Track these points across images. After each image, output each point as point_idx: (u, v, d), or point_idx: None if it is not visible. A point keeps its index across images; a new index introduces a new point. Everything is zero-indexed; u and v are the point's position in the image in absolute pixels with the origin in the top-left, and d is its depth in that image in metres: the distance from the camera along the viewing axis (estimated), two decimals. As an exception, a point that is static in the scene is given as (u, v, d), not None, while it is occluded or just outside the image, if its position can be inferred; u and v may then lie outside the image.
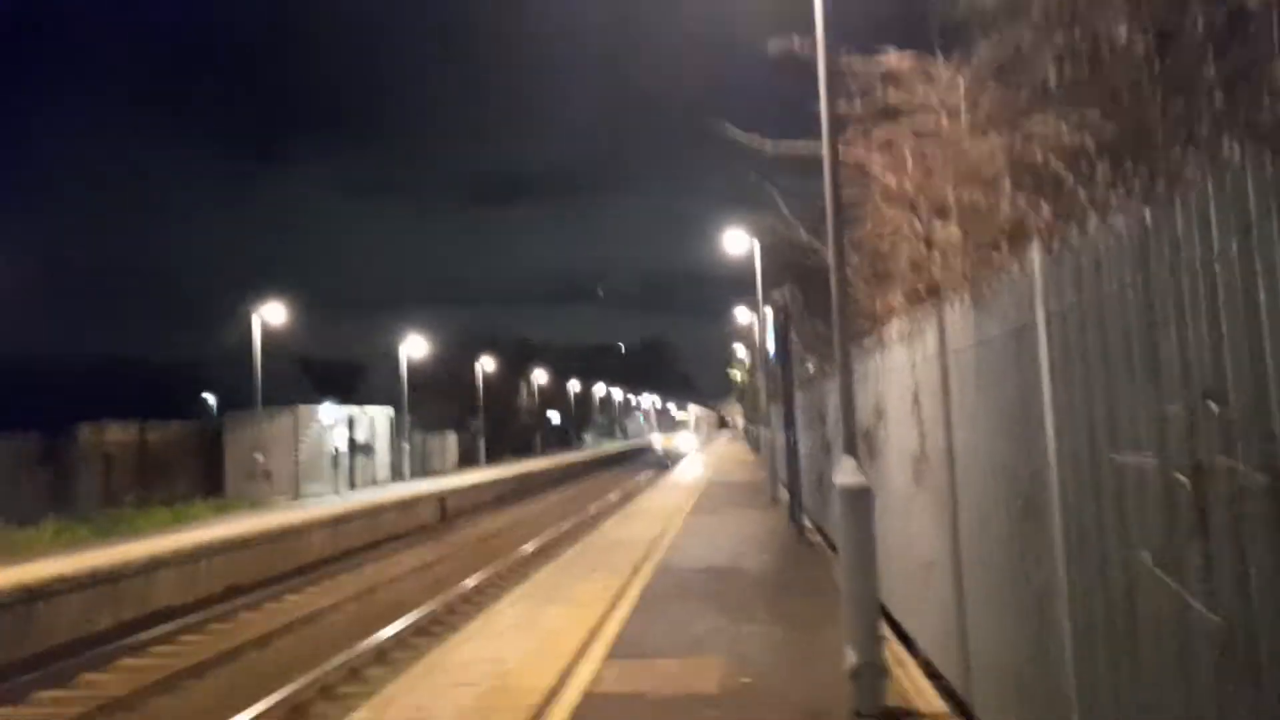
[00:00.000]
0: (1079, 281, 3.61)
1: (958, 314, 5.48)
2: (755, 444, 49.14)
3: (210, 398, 60.89)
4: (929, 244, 5.47)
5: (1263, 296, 2.47)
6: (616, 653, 8.62)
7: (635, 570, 13.28)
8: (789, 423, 17.60)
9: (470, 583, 17.77)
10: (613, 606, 10.76)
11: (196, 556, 18.49)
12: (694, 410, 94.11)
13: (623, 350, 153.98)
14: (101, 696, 11.49)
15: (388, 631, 13.60)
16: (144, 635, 14.55)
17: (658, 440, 67.10)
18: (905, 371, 6.99)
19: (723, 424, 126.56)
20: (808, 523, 16.55)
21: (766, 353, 23.89)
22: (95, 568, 15.87)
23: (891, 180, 5.60)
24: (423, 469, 45.36)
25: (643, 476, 50.15)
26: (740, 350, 53.35)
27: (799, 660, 8.12)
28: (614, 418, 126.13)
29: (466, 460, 53.68)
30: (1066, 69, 3.46)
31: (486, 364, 59.21)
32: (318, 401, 36.19)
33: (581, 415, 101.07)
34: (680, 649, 8.64)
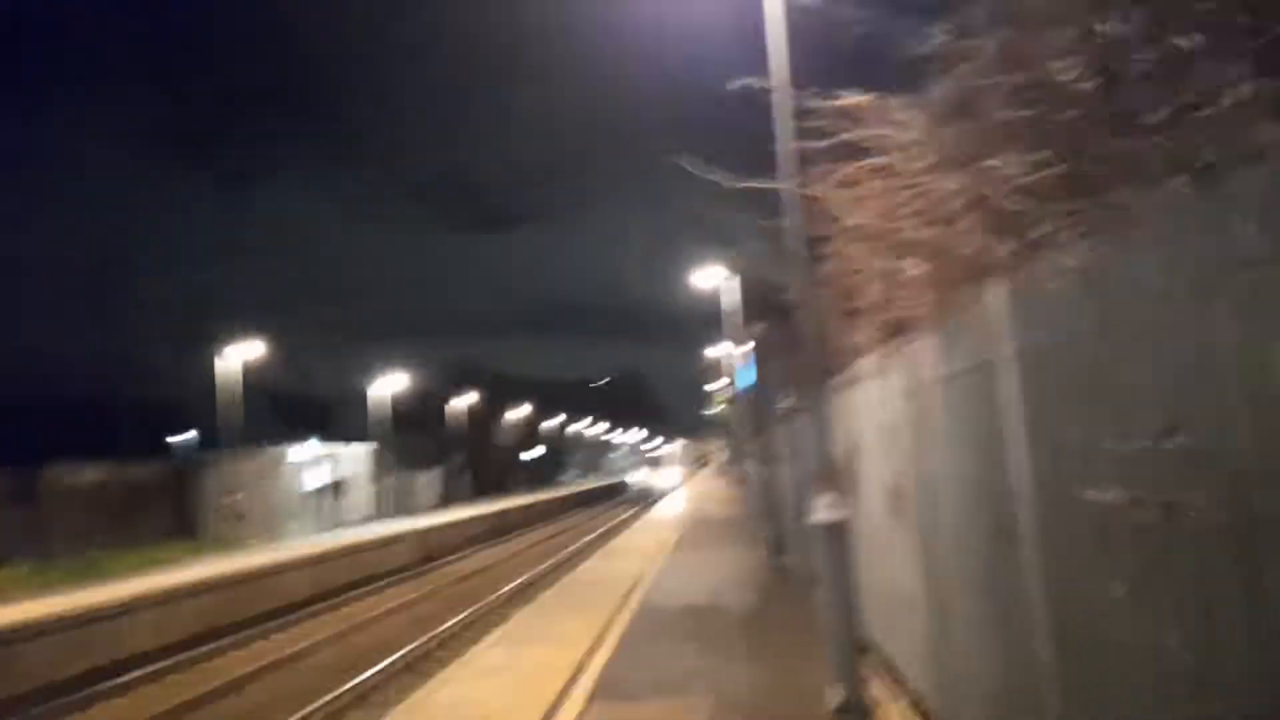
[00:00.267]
0: (1040, 317, 3.68)
1: (925, 349, 5.54)
2: (736, 479, 49.09)
3: (186, 437, 60.24)
4: (896, 281, 5.56)
5: (1216, 333, 2.52)
6: (600, 694, 8.55)
7: (617, 610, 13.21)
8: (767, 458, 17.63)
9: (450, 623, 17.58)
10: (595, 646, 10.69)
11: (169, 599, 18.21)
12: (673, 445, 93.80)
13: (601, 384, 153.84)
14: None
15: (368, 673, 13.42)
16: (116, 681, 14.27)
17: (638, 477, 66.82)
18: (877, 406, 7.05)
19: (703, 460, 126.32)
20: (789, 559, 16.52)
21: (743, 390, 23.96)
22: (63, 613, 15.59)
23: (855, 218, 5.71)
24: (401, 507, 44.97)
25: (623, 514, 49.91)
26: (718, 384, 53.46)
27: (783, 699, 8.09)
28: (592, 454, 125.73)
29: (444, 498, 53.26)
30: (1018, 109, 3.57)
31: (464, 400, 58.97)
32: (293, 437, 35.90)
33: (559, 452, 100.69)
34: (664, 690, 8.58)
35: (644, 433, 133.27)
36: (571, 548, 31.85)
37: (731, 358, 28.25)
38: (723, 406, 58.27)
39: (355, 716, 11.77)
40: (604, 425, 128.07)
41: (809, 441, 10.32)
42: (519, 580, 23.62)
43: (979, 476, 4.75)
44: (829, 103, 5.41)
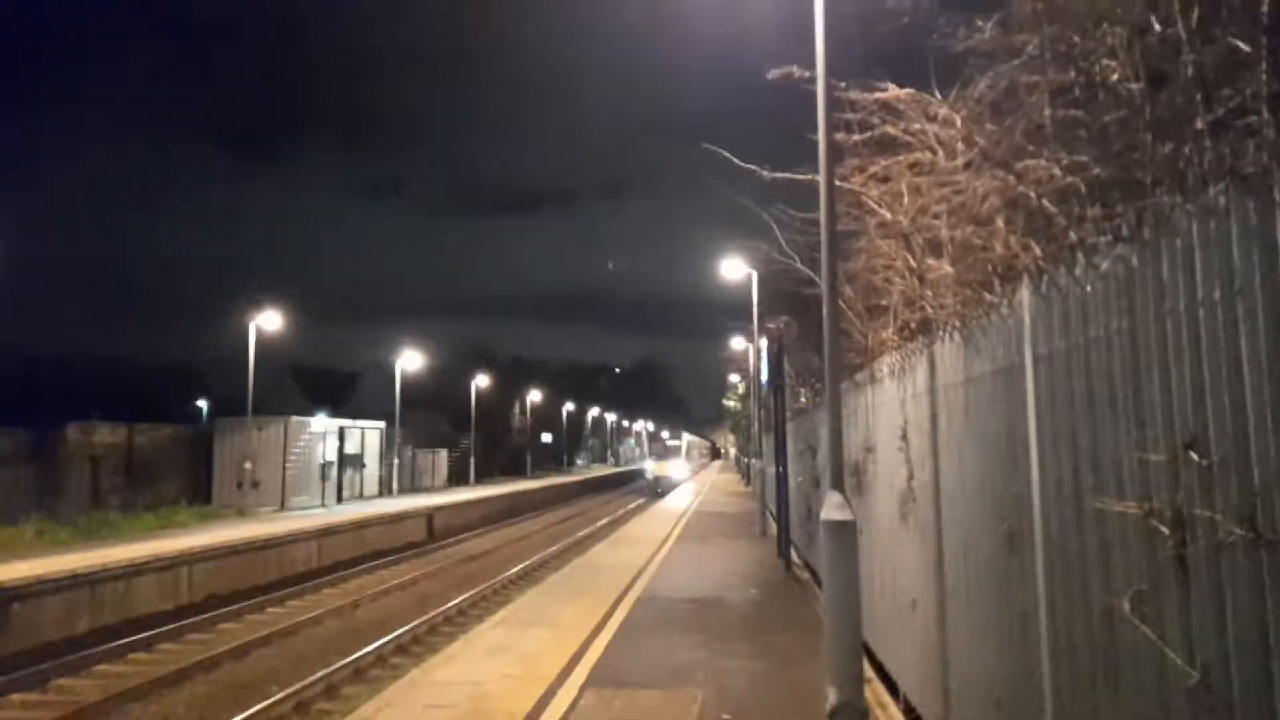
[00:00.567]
0: (1066, 324, 3.61)
1: (948, 351, 5.47)
2: (747, 474, 49.01)
3: (203, 404, 60.79)
4: (921, 279, 5.46)
5: (1244, 346, 2.45)
6: (597, 680, 8.54)
7: (620, 597, 13.19)
8: (779, 454, 17.53)
9: (454, 602, 17.62)
10: (596, 633, 10.68)
11: (179, 563, 18.36)
12: (686, 437, 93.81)
13: (617, 371, 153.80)
14: (74, 702, 11.35)
15: (368, 648, 13.46)
16: (121, 641, 14.39)
17: (649, 466, 66.79)
18: (895, 406, 6.97)
19: (715, 453, 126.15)
20: (795, 557, 16.46)
21: (760, 384, 23.85)
22: (75, 570, 15.75)
23: (886, 214, 5.61)
24: (412, 485, 45.14)
25: (633, 503, 49.96)
26: (735, 378, 53.33)
27: (780, 697, 8.04)
28: (606, 441, 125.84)
29: (456, 478, 53.45)
30: (1060, 109, 3.48)
31: (479, 381, 59.10)
32: (308, 409, 36.07)
33: (574, 437, 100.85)
34: (662, 680, 8.55)
35: (661, 422, 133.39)
36: (581, 533, 31.90)
37: (751, 351, 28.15)
38: (739, 400, 58.20)
39: (354, 689, 11.80)
40: (622, 412, 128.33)
41: (822, 440, 10.25)
42: (526, 562, 23.66)
43: (994, 481, 4.69)
44: (868, 95, 5.31)
